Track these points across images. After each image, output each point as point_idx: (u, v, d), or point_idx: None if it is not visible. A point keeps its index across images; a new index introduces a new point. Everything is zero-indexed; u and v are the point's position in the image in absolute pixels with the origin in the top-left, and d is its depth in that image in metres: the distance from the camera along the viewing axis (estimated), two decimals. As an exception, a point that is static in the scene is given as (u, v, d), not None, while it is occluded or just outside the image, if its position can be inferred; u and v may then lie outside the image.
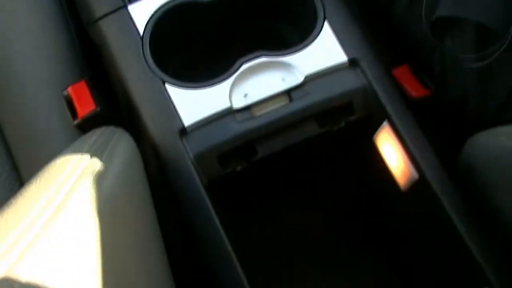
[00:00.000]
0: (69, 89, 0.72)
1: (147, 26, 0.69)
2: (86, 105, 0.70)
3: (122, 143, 0.47)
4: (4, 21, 0.77)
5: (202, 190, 0.61)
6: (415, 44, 0.81)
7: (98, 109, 0.69)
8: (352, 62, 0.67)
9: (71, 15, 0.82)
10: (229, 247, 0.59)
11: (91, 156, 0.35)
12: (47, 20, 0.79)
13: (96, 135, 0.45)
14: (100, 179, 0.33)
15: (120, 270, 0.32)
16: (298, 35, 0.74)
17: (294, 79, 0.66)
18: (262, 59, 0.66)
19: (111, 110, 0.73)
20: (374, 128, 0.69)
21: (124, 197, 0.38)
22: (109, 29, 0.70)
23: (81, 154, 0.35)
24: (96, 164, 0.34)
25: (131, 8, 0.69)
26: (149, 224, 0.47)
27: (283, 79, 0.66)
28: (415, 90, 0.72)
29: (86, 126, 0.69)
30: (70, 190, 0.29)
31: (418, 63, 0.77)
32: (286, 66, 0.66)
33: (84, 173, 0.32)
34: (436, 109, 0.76)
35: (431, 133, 0.67)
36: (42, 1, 0.80)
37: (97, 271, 0.28)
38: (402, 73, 0.74)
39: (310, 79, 0.66)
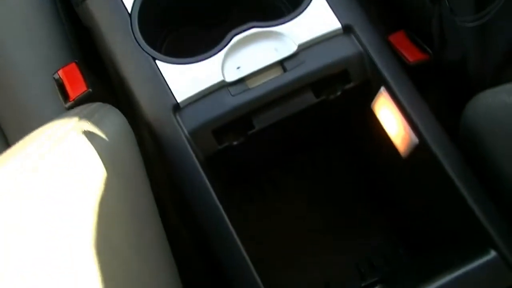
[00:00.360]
0: (60, 72, 0.70)
1: (135, 2, 0.67)
2: (77, 87, 0.68)
3: (110, 115, 0.45)
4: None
5: (199, 166, 0.60)
6: (412, 9, 0.79)
7: (90, 90, 0.67)
8: (346, 29, 0.65)
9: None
10: (228, 222, 0.57)
11: (73, 123, 0.33)
12: (36, 5, 0.78)
13: (80, 108, 0.43)
14: (83, 151, 0.32)
15: (106, 241, 0.30)
16: (291, 5, 0.72)
17: (287, 48, 0.64)
18: (254, 30, 0.64)
19: (104, 92, 0.71)
20: (372, 95, 0.67)
21: (112, 167, 0.36)
22: (96, 8, 0.69)
23: (62, 122, 0.33)
24: (76, 131, 0.33)
25: (118, -15, 0.67)
26: (143, 197, 0.46)
27: (276, 50, 0.64)
28: (412, 54, 0.70)
29: (78, 108, 0.67)
30: (43, 153, 0.27)
31: (415, 28, 0.75)
32: (278, 36, 0.64)
33: (61, 138, 0.30)
34: (435, 74, 0.75)
35: (431, 98, 0.65)
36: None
37: (79, 239, 0.26)
38: (398, 39, 0.72)
39: (304, 48, 0.64)
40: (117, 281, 0.30)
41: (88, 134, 0.34)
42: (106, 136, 0.38)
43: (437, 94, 0.74)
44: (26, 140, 0.29)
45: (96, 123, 0.38)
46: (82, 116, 0.37)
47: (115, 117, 0.47)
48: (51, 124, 0.33)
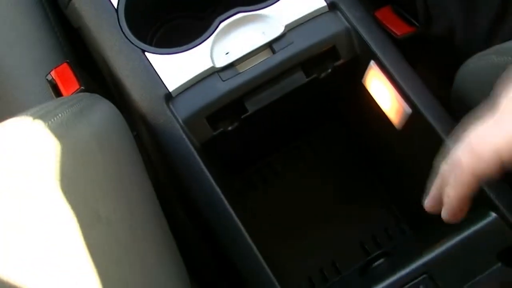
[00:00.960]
0: (52, 73, 0.69)
1: (120, -3, 0.66)
2: (70, 86, 0.67)
3: (98, 103, 0.44)
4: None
5: (195, 153, 0.59)
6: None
7: (83, 88, 0.66)
8: (331, 6, 0.64)
9: (48, 3, 0.80)
10: (227, 204, 0.56)
11: (54, 108, 0.32)
12: (26, 10, 0.78)
13: (68, 96, 0.42)
14: (67, 129, 0.31)
15: (94, 215, 0.29)
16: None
17: (274, 30, 0.63)
18: (240, 15, 0.63)
19: (98, 89, 0.70)
20: (362, 70, 0.66)
21: (99, 148, 0.35)
22: (83, 7, 0.68)
23: (47, 105, 0.32)
24: (60, 114, 0.32)
25: (101, -19, 0.66)
26: (135, 178, 0.45)
27: (263, 32, 0.63)
28: (399, 28, 0.69)
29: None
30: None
31: (401, 3, 0.73)
32: (264, 18, 0.63)
33: (46, 119, 0.29)
34: (424, 47, 0.73)
35: (421, 71, 0.64)
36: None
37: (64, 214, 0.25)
38: (385, 14, 0.71)
39: (291, 29, 0.63)
40: (105, 251, 0.29)
41: (74, 118, 0.33)
42: (93, 120, 0.37)
43: (427, 67, 0.73)
44: (8, 121, 0.28)
45: (82, 109, 0.37)
46: (68, 102, 0.36)
47: (103, 104, 0.46)
48: (38, 107, 0.32)
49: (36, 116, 0.30)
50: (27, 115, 0.29)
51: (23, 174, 0.25)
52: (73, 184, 0.28)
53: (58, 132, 0.30)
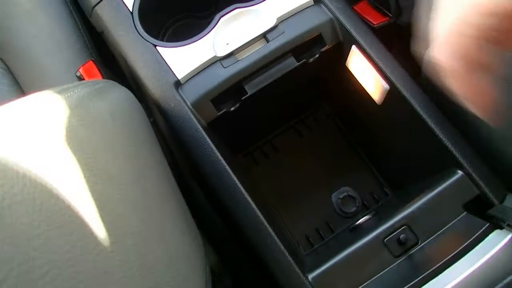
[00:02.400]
0: (81, 70, 0.69)
1: (134, 2, 0.65)
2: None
3: (114, 87, 0.43)
4: (25, 22, 0.76)
5: (202, 131, 0.58)
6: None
7: (105, 79, 0.66)
8: (316, 0, 0.63)
9: (76, 11, 0.80)
10: (231, 173, 0.55)
11: (72, 87, 0.32)
12: (59, 19, 0.77)
13: (87, 80, 0.42)
14: (81, 102, 0.30)
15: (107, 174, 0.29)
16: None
17: (267, 22, 0.62)
18: (237, 10, 0.62)
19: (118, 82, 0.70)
20: (345, 55, 0.64)
21: (114, 126, 0.34)
22: (104, 12, 0.67)
23: (60, 86, 0.32)
24: (78, 93, 0.31)
25: (118, -9, 0.66)
26: (148, 149, 0.44)
27: (258, 24, 0.62)
28: (375, 18, 0.68)
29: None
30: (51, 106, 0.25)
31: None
32: (258, 12, 0.62)
33: (67, 94, 0.28)
34: (396, 34, 0.72)
35: (395, 54, 0.63)
36: (51, 3, 0.78)
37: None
38: (362, 7, 0.70)
39: (282, 20, 0.62)
40: (117, 204, 0.28)
41: (89, 94, 0.33)
42: (108, 98, 0.36)
43: (400, 50, 0.72)
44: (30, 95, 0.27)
45: (99, 89, 0.36)
46: (86, 83, 0.36)
47: (118, 88, 0.45)
48: (57, 87, 0.31)
49: (54, 91, 0.29)
50: (47, 91, 0.29)
51: (37, 136, 0.24)
52: (84, 146, 0.28)
53: (73, 104, 0.30)
